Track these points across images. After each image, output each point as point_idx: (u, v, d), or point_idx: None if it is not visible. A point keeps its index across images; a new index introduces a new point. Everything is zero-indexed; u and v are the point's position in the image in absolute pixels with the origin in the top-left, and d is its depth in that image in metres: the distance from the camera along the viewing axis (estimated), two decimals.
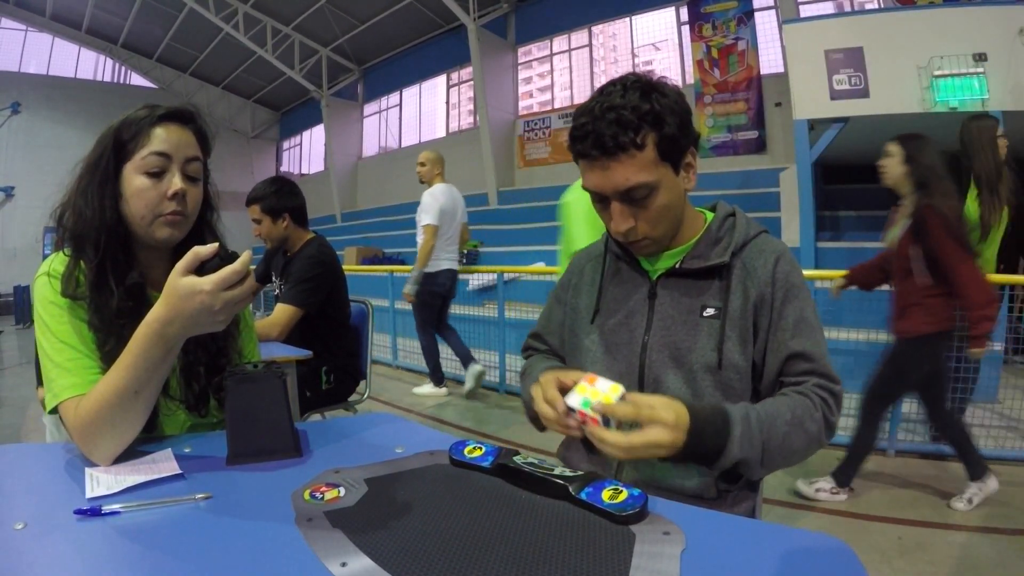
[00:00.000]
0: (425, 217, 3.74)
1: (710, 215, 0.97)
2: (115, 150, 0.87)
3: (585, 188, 0.89)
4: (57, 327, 0.83)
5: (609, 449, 0.72)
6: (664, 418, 0.71)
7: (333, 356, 2.24)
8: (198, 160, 0.92)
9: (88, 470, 0.73)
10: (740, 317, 0.87)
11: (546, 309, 1.12)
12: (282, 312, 2.07)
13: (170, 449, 0.80)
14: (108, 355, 0.83)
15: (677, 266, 0.91)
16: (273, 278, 2.38)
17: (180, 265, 0.71)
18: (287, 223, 2.20)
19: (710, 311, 0.88)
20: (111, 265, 0.87)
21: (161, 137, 0.87)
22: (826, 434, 0.84)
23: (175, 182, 0.87)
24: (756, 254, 0.90)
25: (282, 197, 2.18)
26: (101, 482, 0.69)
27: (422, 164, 3.90)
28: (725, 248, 0.90)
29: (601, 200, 0.88)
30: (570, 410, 0.75)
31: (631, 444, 0.71)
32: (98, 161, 0.87)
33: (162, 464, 0.75)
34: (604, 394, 0.74)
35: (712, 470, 0.78)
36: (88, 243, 0.87)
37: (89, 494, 0.66)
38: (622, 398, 0.73)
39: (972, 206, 2.64)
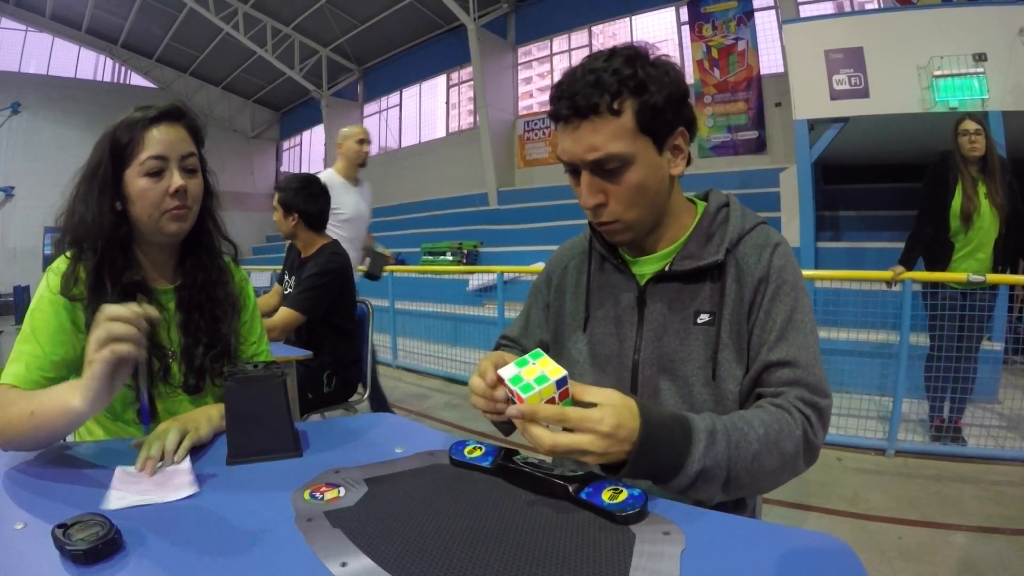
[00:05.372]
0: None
1: (702, 206, 0.88)
2: (112, 156, 0.90)
3: (558, 157, 0.81)
4: (37, 318, 0.88)
5: (532, 441, 0.63)
6: (598, 427, 0.61)
7: (336, 362, 2.25)
8: (193, 155, 0.96)
9: (113, 490, 0.68)
10: (736, 321, 0.79)
11: (523, 311, 1.03)
12: (283, 315, 2.09)
13: (188, 461, 0.76)
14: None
15: (667, 269, 0.83)
16: (286, 276, 2.40)
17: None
18: (295, 222, 2.22)
19: (704, 317, 0.81)
20: (108, 267, 0.90)
21: (156, 139, 0.91)
22: (805, 457, 0.73)
23: (175, 179, 0.91)
24: (751, 249, 0.82)
25: (299, 197, 2.20)
26: (125, 500, 0.66)
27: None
28: (718, 245, 0.82)
29: (573, 171, 0.80)
30: (502, 382, 0.67)
31: (556, 445, 0.61)
32: (96, 168, 0.91)
33: (181, 478, 0.72)
34: (541, 377, 0.64)
35: (664, 488, 0.67)
36: (87, 246, 0.90)
37: (106, 507, 0.64)
38: (563, 384, 0.64)
39: (957, 201, 2.69)
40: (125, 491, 0.67)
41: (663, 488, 0.68)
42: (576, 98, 0.74)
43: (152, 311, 0.73)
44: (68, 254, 0.93)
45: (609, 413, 0.62)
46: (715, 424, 0.69)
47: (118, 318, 0.70)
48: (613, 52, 0.76)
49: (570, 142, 0.77)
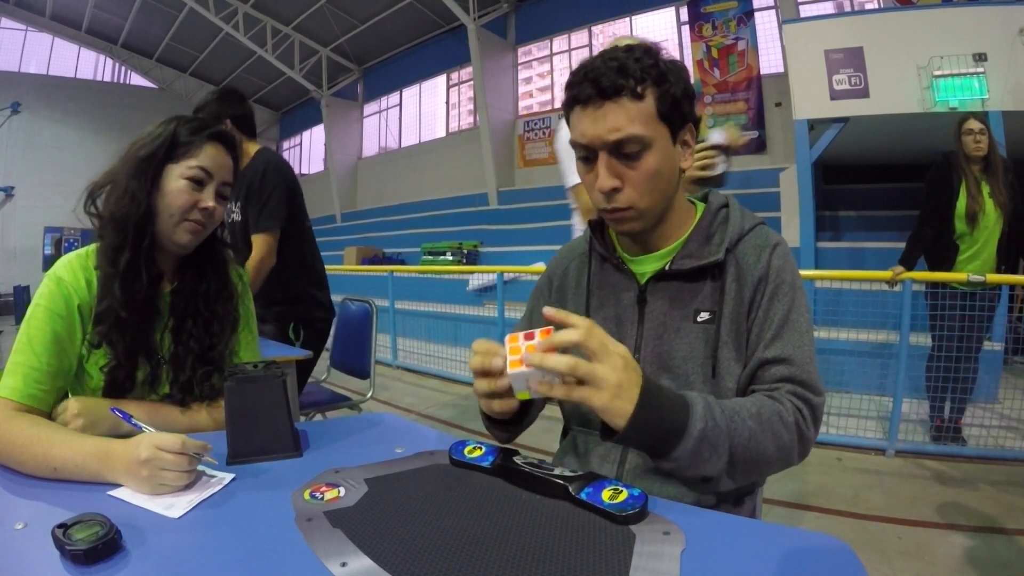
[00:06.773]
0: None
1: (701, 207, 0.90)
2: (168, 146, 0.93)
3: (573, 143, 0.81)
4: (33, 327, 0.87)
5: (552, 366, 0.65)
6: (614, 360, 0.65)
7: (296, 304, 2.02)
8: (229, 185, 0.99)
9: (157, 500, 0.67)
10: (735, 320, 0.81)
11: (526, 314, 1.03)
12: (261, 243, 1.90)
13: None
14: (106, 338, 0.89)
15: (667, 268, 0.84)
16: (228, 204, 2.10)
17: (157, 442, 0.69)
18: (230, 128, 1.92)
19: (704, 315, 0.82)
20: (146, 252, 0.92)
21: (210, 155, 0.95)
22: (799, 449, 0.74)
23: (209, 200, 0.95)
24: (750, 249, 0.83)
25: (223, 103, 1.98)
26: (177, 505, 0.65)
27: None
28: (718, 245, 0.83)
29: (587, 158, 0.80)
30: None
31: (576, 366, 0.64)
32: (154, 153, 0.92)
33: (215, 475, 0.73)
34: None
35: (667, 464, 0.69)
36: (131, 225, 0.90)
37: (171, 514, 0.63)
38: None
39: (961, 202, 2.69)
40: (176, 496, 0.67)
41: (666, 463, 0.69)
42: (601, 80, 0.75)
43: (203, 447, 0.71)
44: (103, 233, 0.92)
45: (620, 361, 0.65)
46: (708, 398, 0.71)
47: (170, 450, 0.68)
48: (631, 47, 0.79)
49: (590, 123, 0.77)
